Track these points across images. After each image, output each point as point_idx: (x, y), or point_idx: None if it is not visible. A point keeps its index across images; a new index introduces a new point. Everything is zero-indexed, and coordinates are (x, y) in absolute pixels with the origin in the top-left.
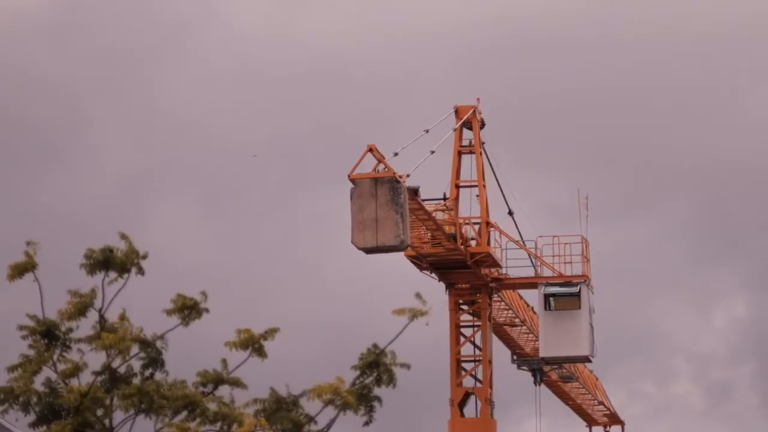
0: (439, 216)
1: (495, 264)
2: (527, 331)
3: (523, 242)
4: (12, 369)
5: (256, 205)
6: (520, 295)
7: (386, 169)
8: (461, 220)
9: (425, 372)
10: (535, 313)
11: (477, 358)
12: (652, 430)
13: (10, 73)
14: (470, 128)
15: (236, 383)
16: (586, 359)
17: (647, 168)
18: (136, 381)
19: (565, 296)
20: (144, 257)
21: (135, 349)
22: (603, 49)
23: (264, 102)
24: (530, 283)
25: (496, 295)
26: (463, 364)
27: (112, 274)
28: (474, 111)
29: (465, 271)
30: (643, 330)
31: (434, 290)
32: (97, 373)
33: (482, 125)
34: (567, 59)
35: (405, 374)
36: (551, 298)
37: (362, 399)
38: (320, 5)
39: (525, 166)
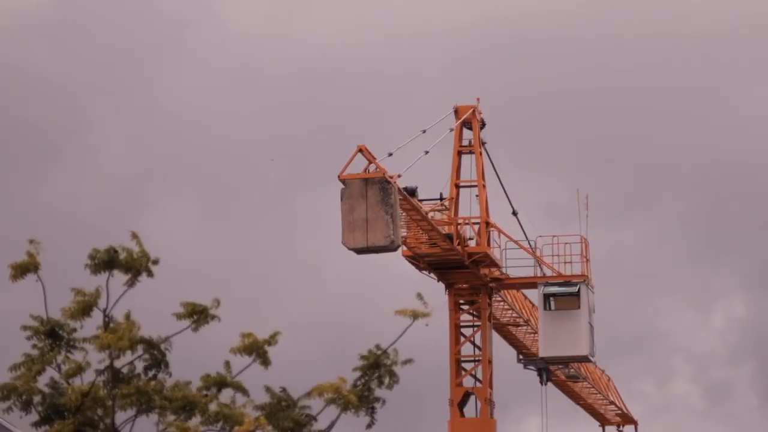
0: (437, 216)
1: (493, 264)
2: (532, 331)
3: (528, 242)
4: (14, 368)
5: (256, 205)
6: (524, 296)
7: (377, 170)
8: (461, 220)
9: (425, 372)
10: None
11: (477, 358)
12: (652, 430)
13: (10, 73)
14: (470, 128)
15: (239, 387)
16: (585, 359)
17: (647, 168)
18: (139, 382)
19: (565, 296)
20: (155, 262)
21: (139, 350)
22: (603, 49)
23: (264, 102)
24: (530, 283)
25: (497, 295)
26: (464, 364)
27: (119, 275)
28: (474, 111)
29: (464, 271)
30: (643, 330)
31: (434, 290)
32: (99, 372)
33: (482, 125)
34: (567, 59)
35: (405, 374)
36: (551, 298)
37: (364, 400)
38: (320, 5)
39: (525, 166)
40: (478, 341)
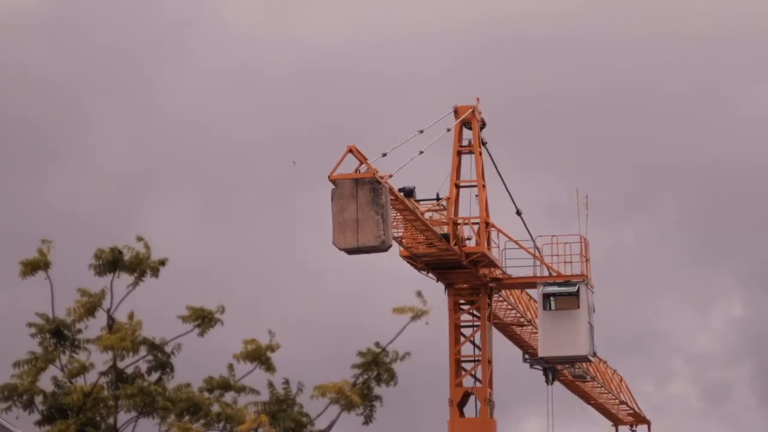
0: (436, 216)
1: (492, 264)
2: (536, 330)
3: (533, 241)
4: (18, 365)
5: (256, 205)
6: (530, 296)
7: (368, 170)
8: (460, 220)
9: (425, 372)
10: None
11: (477, 358)
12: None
13: (10, 73)
14: (470, 128)
15: (242, 390)
16: (584, 359)
17: (647, 168)
18: (142, 382)
19: (564, 296)
20: (162, 263)
21: (143, 351)
22: (603, 49)
23: (263, 102)
24: (530, 283)
25: (498, 295)
26: (463, 364)
27: (124, 276)
28: (473, 111)
29: (462, 271)
30: (643, 330)
31: (433, 290)
32: (101, 373)
33: (483, 125)
34: (567, 59)
35: (405, 375)
36: (552, 298)
37: (363, 398)
38: (320, 5)
39: (524, 166)
40: (478, 341)
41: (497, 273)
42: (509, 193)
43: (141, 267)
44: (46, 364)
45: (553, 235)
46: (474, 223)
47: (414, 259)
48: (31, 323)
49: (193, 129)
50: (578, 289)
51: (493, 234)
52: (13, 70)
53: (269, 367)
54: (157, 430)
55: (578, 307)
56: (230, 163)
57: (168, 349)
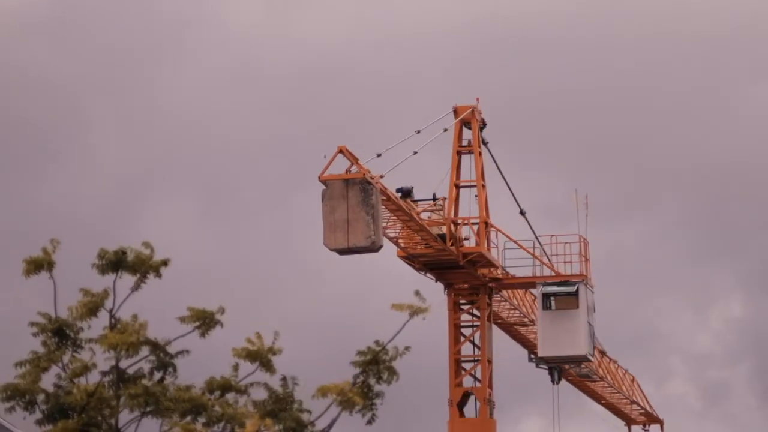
0: (433, 217)
1: (490, 264)
2: None
3: (538, 241)
4: (20, 364)
5: (256, 205)
6: (534, 296)
7: (358, 171)
8: (461, 221)
9: (425, 372)
10: None
11: (477, 358)
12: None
13: (10, 73)
14: (470, 128)
15: (244, 391)
16: (584, 359)
17: (647, 168)
18: (145, 382)
19: (563, 295)
20: (165, 263)
21: (145, 351)
22: (603, 49)
23: (263, 102)
24: (529, 283)
25: (498, 295)
26: (463, 364)
27: (126, 276)
28: (473, 111)
29: (461, 271)
30: (642, 330)
31: (433, 290)
32: (104, 373)
33: (483, 125)
34: (567, 59)
35: (405, 375)
36: (552, 298)
37: (364, 397)
38: (320, 5)
39: (524, 166)
40: (477, 341)
41: (497, 273)
42: (512, 192)
43: (144, 267)
44: (49, 364)
45: (552, 235)
46: (474, 224)
47: (411, 260)
48: (33, 322)
49: (193, 129)
50: (577, 288)
51: (492, 234)
52: (13, 70)
53: (270, 369)
54: (158, 431)
55: (577, 306)
56: (230, 163)
57: (172, 350)
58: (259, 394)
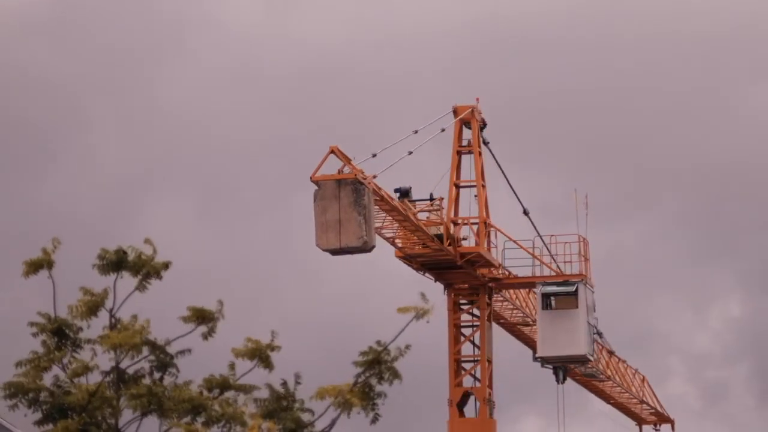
0: (432, 217)
1: (488, 264)
2: None
3: (543, 241)
4: (20, 364)
5: (256, 205)
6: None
7: (351, 171)
8: (460, 221)
9: (425, 372)
10: None
11: (477, 358)
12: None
13: (10, 73)
14: (470, 128)
15: (243, 389)
16: (583, 358)
17: (647, 168)
18: (146, 382)
19: (563, 295)
20: (166, 266)
21: (145, 351)
22: (603, 49)
23: (263, 102)
24: (529, 283)
25: (499, 295)
26: (464, 364)
27: (127, 276)
28: (472, 111)
29: (459, 271)
30: (642, 330)
31: (432, 290)
32: (105, 373)
33: (484, 125)
34: (567, 59)
35: (404, 374)
36: (552, 298)
37: (365, 397)
38: (319, 5)
39: (524, 166)
40: (477, 341)
41: (497, 273)
42: (515, 192)
43: (145, 268)
44: (49, 364)
45: (552, 235)
46: (473, 224)
47: (409, 260)
48: (33, 322)
49: (193, 129)
50: (576, 288)
51: (492, 234)
52: (13, 70)
53: (268, 365)
54: (159, 430)
55: (576, 306)
56: (230, 163)
57: (172, 350)
58: (261, 393)
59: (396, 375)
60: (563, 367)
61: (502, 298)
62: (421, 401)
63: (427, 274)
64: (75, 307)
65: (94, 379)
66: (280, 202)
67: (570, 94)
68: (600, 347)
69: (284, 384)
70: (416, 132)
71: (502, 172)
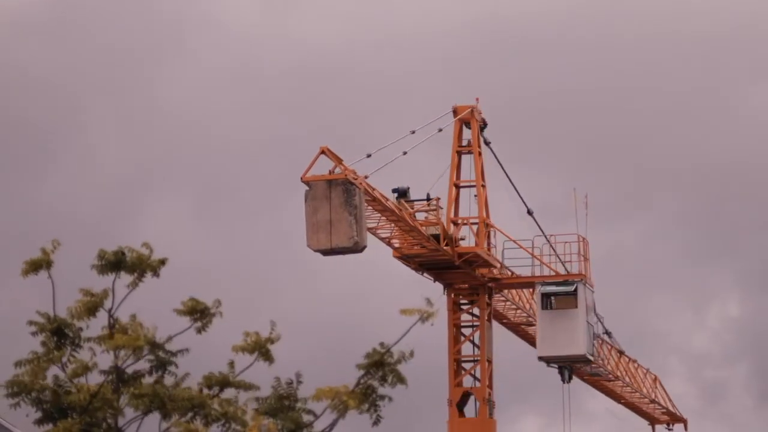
0: (430, 217)
1: (486, 264)
2: None
3: (547, 240)
4: (20, 364)
5: (255, 205)
6: None
7: (342, 171)
8: (460, 221)
9: (425, 372)
10: None
11: (477, 358)
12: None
13: (9, 73)
14: (470, 128)
15: (242, 386)
16: (583, 358)
17: (647, 168)
18: (147, 381)
19: (562, 295)
20: (163, 262)
21: (145, 351)
22: (603, 49)
23: (263, 102)
24: (529, 283)
25: (500, 295)
26: (464, 364)
27: (125, 276)
28: (472, 111)
29: (458, 271)
30: (642, 329)
31: (432, 290)
32: (106, 373)
33: (484, 125)
34: (567, 59)
35: (405, 374)
36: (552, 297)
37: (366, 399)
38: (319, 5)
39: (524, 166)
40: (477, 341)
41: (497, 273)
42: (518, 193)
43: (142, 267)
44: (49, 364)
45: (551, 235)
46: (473, 224)
47: (407, 260)
48: (32, 321)
49: (193, 129)
50: (576, 288)
51: (492, 234)
52: (13, 70)
53: (268, 358)
54: (159, 430)
55: (576, 306)
56: (230, 163)
57: (172, 348)
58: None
59: (401, 379)
60: (569, 367)
61: (504, 299)
62: (421, 401)
63: (425, 274)
64: (74, 308)
65: (93, 378)
66: (279, 202)
67: (570, 94)
68: (609, 347)
69: (290, 383)
70: (413, 132)
71: (505, 172)
